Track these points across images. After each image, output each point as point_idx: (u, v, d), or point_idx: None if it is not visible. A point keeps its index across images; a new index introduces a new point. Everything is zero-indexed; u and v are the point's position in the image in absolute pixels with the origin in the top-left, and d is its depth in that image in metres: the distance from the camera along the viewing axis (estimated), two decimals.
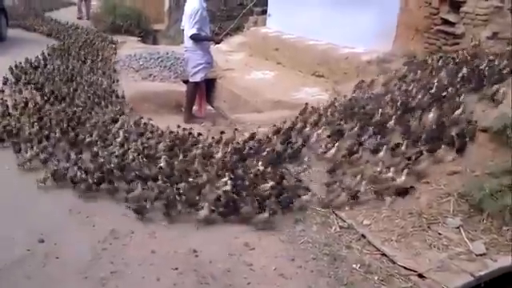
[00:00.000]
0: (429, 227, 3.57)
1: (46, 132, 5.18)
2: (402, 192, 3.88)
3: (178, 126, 5.80)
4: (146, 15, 16.29)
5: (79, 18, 16.17)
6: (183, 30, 6.92)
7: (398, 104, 5.17)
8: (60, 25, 13.79)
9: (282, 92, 8.34)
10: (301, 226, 3.78)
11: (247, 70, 10.04)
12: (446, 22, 7.34)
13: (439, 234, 3.48)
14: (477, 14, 6.95)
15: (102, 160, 4.51)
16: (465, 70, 5.46)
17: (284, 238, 3.63)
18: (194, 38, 6.56)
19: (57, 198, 4.12)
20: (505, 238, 3.32)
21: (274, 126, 5.58)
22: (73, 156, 4.70)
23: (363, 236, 3.59)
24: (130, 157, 4.61)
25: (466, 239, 3.39)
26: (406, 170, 3.98)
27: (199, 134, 5.42)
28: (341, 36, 9.10)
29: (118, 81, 8.21)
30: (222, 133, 5.38)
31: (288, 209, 3.93)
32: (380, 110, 5.15)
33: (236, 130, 5.79)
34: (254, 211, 3.79)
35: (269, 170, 4.41)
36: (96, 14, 16.15)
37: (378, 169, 4.21)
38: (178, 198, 3.87)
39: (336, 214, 3.91)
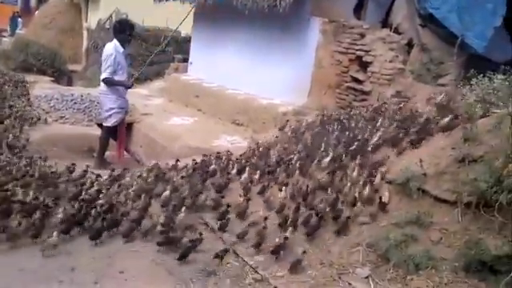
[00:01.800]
0: (339, 277, 3.61)
1: None
2: None
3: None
4: (62, 55, 15.69)
5: None
6: None
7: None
8: None
9: (201, 139, 8.31)
10: (213, 279, 3.63)
11: (166, 115, 9.95)
12: (355, 79, 7.93)
13: (349, 284, 3.53)
14: (382, 74, 7.61)
15: None
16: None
17: None
18: (105, 82, 6.43)
19: None
20: (409, 287, 3.44)
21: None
22: None
23: None
24: None
25: None
26: None
27: None
28: (259, 87, 9.43)
29: (27, 140, 7.17)
30: None
31: None
32: None
33: None
34: None
35: None
36: (5, 51, 15.22)
37: None
38: None
39: (250, 266, 3.82)
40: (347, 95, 8.08)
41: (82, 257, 3.80)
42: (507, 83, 4.47)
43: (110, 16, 16.39)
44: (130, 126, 9.38)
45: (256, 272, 3.74)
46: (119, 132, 6.87)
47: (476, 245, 3.44)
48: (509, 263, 3.24)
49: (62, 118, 8.74)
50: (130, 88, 6.40)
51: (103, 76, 6.39)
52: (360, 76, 7.89)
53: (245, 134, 8.52)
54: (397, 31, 8.41)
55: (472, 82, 4.95)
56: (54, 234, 3.84)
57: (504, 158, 3.64)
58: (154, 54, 9.61)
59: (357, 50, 8.03)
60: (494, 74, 4.78)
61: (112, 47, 6.41)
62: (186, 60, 12.75)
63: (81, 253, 3.86)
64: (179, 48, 14.14)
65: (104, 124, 6.81)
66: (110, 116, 6.60)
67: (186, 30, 13.78)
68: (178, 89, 11.43)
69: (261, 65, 9.52)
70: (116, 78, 6.39)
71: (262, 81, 9.41)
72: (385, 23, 8.94)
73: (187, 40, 13.25)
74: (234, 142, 8.29)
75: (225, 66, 10.48)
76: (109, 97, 6.54)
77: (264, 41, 9.54)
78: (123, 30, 6.55)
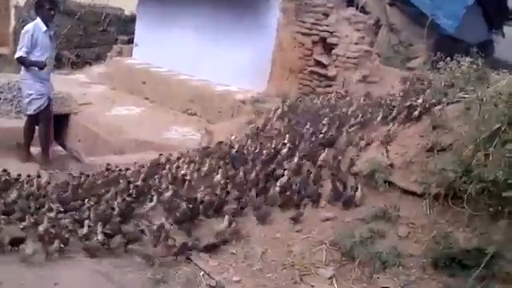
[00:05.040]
0: (301, 279, 3.67)
1: None
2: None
3: (4, 171, 5.18)
4: None
5: None
6: None
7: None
8: None
9: (148, 131, 8.24)
10: (163, 287, 3.62)
11: (108, 104, 9.77)
12: (318, 63, 8.05)
13: (312, 286, 3.61)
14: (348, 57, 7.77)
15: None
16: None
17: None
18: (19, 61, 6.41)
19: None
20: (375, 286, 3.56)
21: None
22: None
23: None
24: None
25: None
26: None
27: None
28: (214, 73, 9.41)
29: None
30: None
31: None
32: None
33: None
34: None
35: None
36: None
37: None
38: None
39: (204, 271, 3.84)
40: (311, 80, 8.20)
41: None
42: (475, 66, 4.68)
43: None
44: (66, 117, 9.18)
45: (210, 277, 3.76)
46: (43, 122, 6.73)
47: (444, 239, 3.60)
48: (478, 257, 3.40)
49: None
50: (41, 68, 6.29)
51: (16, 55, 6.40)
52: (324, 59, 8.03)
53: (198, 125, 8.49)
54: (363, 10, 8.61)
55: (439, 66, 5.14)
56: None
57: (473, 147, 3.82)
58: None
59: (321, 30, 8.16)
60: (461, 57, 4.97)
61: (31, 25, 6.43)
62: (130, 41, 12.51)
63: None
64: (123, 28, 13.83)
65: (26, 113, 6.76)
66: (30, 103, 6.54)
67: (130, 7, 13.50)
68: (121, 74, 11.21)
69: (216, 47, 9.47)
70: (33, 59, 6.34)
71: (217, 65, 9.38)
72: (351, 2, 9.11)
73: (132, 19, 12.98)
74: (186, 134, 8.26)
75: (175, 49, 10.35)
76: (26, 81, 6.52)
77: (219, 21, 9.49)
78: (42, 4, 6.52)
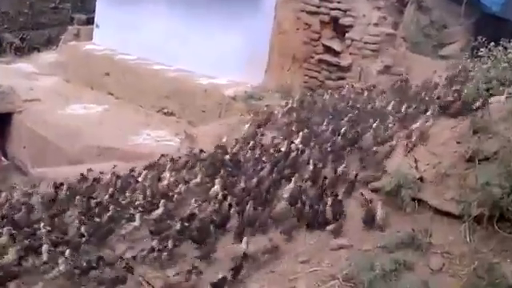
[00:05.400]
0: None
1: None
2: None
3: None
4: None
5: None
6: None
7: None
8: None
9: (113, 135, 8.25)
10: None
11: (61, 101, 9.77)
12: (329, 50, 8.05)
13: None
14: (365, 43, 7.75)
15: None
16: None
17: None
18: None
19: None
20: None
21: None
22: None
23: None
24: None
25: None
26: None
27: None
28: (198, 61, 9.40)
29: None
30: None
31: None
32: None
33: None
34: None
35: None
36: None
37: None
38: None
39: None
40: (319, 71, 8.20)
41: None
42: None
43: None
44: (8, 117, 9.15)
45: None
46: None
47: (488, 272, 3.58)
48: None
49: None
50: None
51: None
52: (336, 45, 8.03)
53: (176, 128, 8.48)
54: None
55: (481, 53, 5.15)
56: None
57: None
58: None
59: (331, 9, 8.15)
60: (508, 42, 4.99)
61: None
62: (90, 22, 12.51)
63: None
64: (80, 4, 13.84)
65: None
66: None
67: None
68: (78, 63, 11.17)
69: (198, 29, 9.46)
70: None
71: (200, 52, 9.37)
72: None
73: None
74: (161, 138, 8.26)
75: (147, 31, 10.35)
76: None
77: None
78: None
